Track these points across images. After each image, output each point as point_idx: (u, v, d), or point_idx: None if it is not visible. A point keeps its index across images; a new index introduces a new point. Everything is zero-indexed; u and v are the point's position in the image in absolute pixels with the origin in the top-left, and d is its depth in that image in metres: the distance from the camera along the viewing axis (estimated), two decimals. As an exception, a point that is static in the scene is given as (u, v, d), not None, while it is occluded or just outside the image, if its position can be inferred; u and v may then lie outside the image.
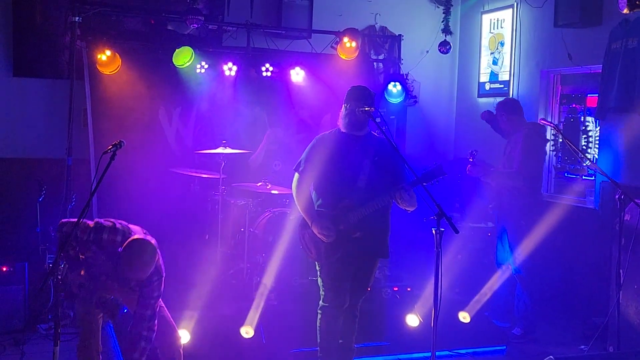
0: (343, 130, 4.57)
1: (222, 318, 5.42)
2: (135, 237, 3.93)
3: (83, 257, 3.95)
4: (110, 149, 3.90)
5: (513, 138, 6.05)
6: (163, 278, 4.12)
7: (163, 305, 4.42)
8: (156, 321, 4.11)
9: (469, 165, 5.98)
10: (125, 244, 3.88)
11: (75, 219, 4.02)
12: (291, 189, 4.69)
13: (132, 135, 6.20)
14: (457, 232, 3.79)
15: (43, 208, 6.09)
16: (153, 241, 3.97)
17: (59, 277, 3.46)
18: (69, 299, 4.05)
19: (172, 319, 4.44)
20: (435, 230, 3.77)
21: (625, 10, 5.01)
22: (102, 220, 4.09)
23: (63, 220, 4.17)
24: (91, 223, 4.07)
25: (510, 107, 6.13)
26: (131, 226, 4.17)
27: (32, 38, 6.76)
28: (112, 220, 4.14)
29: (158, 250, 3.98)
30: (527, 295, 5.98)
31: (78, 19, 6.51)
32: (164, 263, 4.16)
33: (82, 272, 3.97)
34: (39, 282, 5.78)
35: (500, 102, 6.23)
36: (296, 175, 4.62)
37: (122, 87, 6.74)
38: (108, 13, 6.83)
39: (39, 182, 6.08)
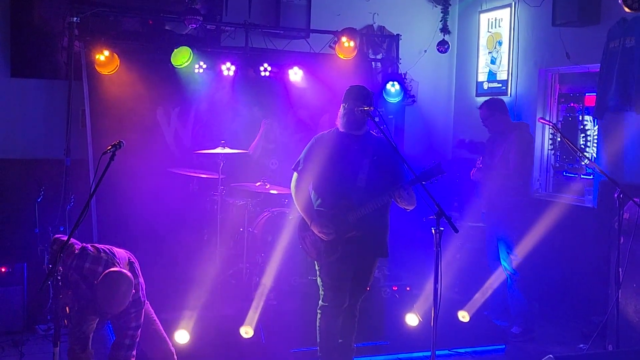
0: (341, 129, 4.57)
1: (221, 318, 5.42)
2: (112, 269, 3.90)
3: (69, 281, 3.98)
4: (109, 149, 3.89)
5: (507, 139, 6.06)
6: (142, 309, 4.11)
7: (156, 318, 4.43)
8: (134, 352, 4.12)
9: (474, 170, 6.02)
10: (100, 277, 3.85)
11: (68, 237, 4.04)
12: (290, 188, 4.69)
13: (131, 136, 6.20)
14: (456, 231, 3.80)
15: (41, 208, 6.09)
16: (129, 274, 3.93)
17: (59, 277, 3.46)
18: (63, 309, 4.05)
19: (164, 333, 4.44)
20: (434, 230, 3.77)
21: (626, 9, 5.01)
22: (89, 247, 4.08)
23: (56, 236, 4.18)
24: (78, 247, 4.05)
25: (495, 107, 6.17)
26: (117, 254, 4.15)
27: (30, 39, 6.74)
28: (100, 248, 4.12)
29: (135, 281, 3.97)
30: (522, 294, 5.98)
31: (76, 20, 6.50)
32: (144, 289, 4.16)
33: (70, 293, 3.98)
34: (38, 282, 5.77)
35: (484, 103, 6.25)
36: (295, 174, 4.62)
37: (120, 88, 6.73)
38: (106, 13, 6.82)
39: (38, 183, 6.08)
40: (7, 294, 5.67)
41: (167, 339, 4.50)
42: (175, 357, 4.49)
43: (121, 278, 3.86)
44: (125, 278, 3.87)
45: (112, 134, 6.40)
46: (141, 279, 4.20)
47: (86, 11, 6.55)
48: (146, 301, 4.29)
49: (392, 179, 4.45)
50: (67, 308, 4.03)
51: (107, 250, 4.13)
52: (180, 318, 5.14)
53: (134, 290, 3.94)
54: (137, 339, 4.15)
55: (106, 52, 6.49)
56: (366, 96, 4.49)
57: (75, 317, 4.04)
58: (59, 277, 3.85)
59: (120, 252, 4.21)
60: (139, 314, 4.09)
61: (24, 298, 5.73)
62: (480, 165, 6.08)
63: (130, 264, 4.19)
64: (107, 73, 6.61)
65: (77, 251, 4.01)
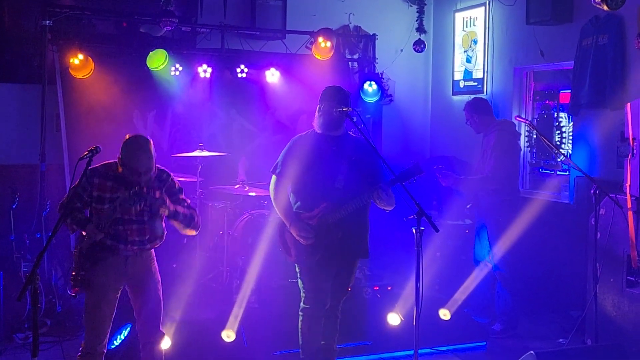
0: (319, 131, 4.56)
1: (203, 322, 5.39)
2: (126, 136, 4.08)
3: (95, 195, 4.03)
4: (86, 154, 3.85)
5: (486, 139, 6.11)
6: (173, 177, 4.29)
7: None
8: (197, 210, 4.34)
9: (440, 178, 6.00)
10: (122, 144, 4.03)
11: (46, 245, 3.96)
12: (269, 191, 4.67)
13: (106, 139, 6.06)
14: (437, 230, 3.81)
15: (17, 215, 6.00)
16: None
17: (37, 286, 3.40)
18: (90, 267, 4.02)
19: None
20: (415, 229, 3.78)
21: (605, 7, 5.06)
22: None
23: (61, 202, 4.15)
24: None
25: (480, 107, 6.19)
26: None
27: (1, 43, 6.64)
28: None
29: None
30: (508, 292, 6.04)
31: (49, 23, 6.42)
32: None
33: (106, 207, 4.00)
34: (14, 291, 5.68)
35: (468, 103, 6.28)
36: (273, 177, 4.60)
37: (95, 91, 6.66)
38: (79, 16, 6.74)
39: (12, 189, 5.99)
40: (-17, 302, 5.58)
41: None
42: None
43: (138, 135, 4.12)
44: (141, 136, 4.10)
45: (87, 138, 6.32)
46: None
47: (59, 14, 6.47)
48: None
49: (370, 179, 4.44)
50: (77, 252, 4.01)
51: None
52: (162, 323, 5.09)
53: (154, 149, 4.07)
54: (189, 201, 4.30)
55: (80, 56, 6.41)
56: (343, 97, 4.48)
57: (89, 304, 4.04)
58: (86, 199, 3.97)
59: None
60: (174, 180, 4.27)
61: (1, 307, 5.64)
62: (439, 175, 5.99)
63: None
64: (81, 77, 6.53)
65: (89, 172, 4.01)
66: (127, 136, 4.08)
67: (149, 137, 4.10)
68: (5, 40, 6.65)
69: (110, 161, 4.14)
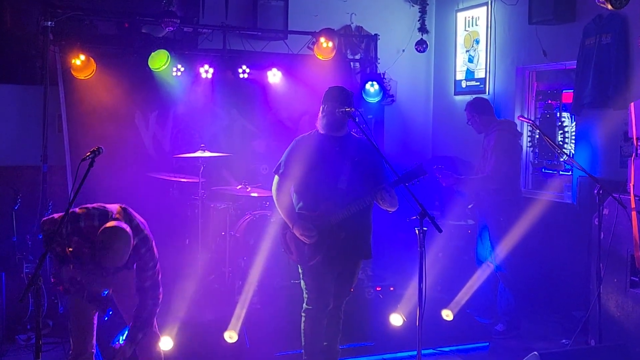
0: (322, 131, 4.55)
1: (205, 323, 5.39)
2: (108, 225, 3.81)
3: (70, 250, 3.87)
4: (88, 155, 3.83)
5: (487, 139, 6.11)
6: (152, 244, 4.06)
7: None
8: (160, 290, 4.11)
9: (440, 178, 5.99)
10: (98, 233, 3.76)
11: (55, 215, 3.96)
12: (271, 191, 4.67)
13: (108, 140, 6.13)
14: (440, 231, 3.79)
15: (19, 216, 5.99)
16: (126, 227, 3.84)
17: (40, 287, 3.39)
18: (63, 294, 3.97)
19: (156, 325, 4.40)
20: (418, 230, 3.77)
21: (609, 7, 5.03)
22: (76, 210, 4.01)
23: (44, 218, 4.10)
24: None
25: (480, 107, 6.19)
26: (108, 206, 4.07)
27: (3, 44, 6.63)
28: (85, 206, 4.05)
29: (134, 223, 3.95)
30: (510, 292, 6.02)
31: (51, 24, 6.41)
32: (147, 227, 4.09)
33: (72, 267, 3.90)
34: (17, 292, 5.68)
35: (469, 103, 6.28)
36: (276, 177, 4.60)
37: (97, 92, 6.65)
38: (81, 17, 6.72)
39: (14, 190, 5.98)
40: (-15, 304, 5.58)
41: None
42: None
43: (118, 230, 3.76)
44: (122, 230, 3.78)
45: (89, 139, 6.33)
46: (140, 219, 4.10)
47: (61, 15, 6.46)
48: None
49: (373, 180, 4.44)
50: (61, 287, 3.93)
51: (96, 205, 4.07)
52: (164, 324, 5.07)
53: (135, 240, 3.87)
54: (159, 276, 4.10)
55: (82, 57, 6.40)
56: (346, 97, 4.47)
57: (79, 291, 3.95)
58: (58, 250, 3.79)
59: (112, 205, 4.14)
60: (150, 250, 4.03)
61: (3, 308, 5.63)
62: (439, 175, 5.99)
63: (124, 210, 4.09)
64: (83, 77, 6.52)
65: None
66: (110, 224, 3.78)
67: (129, 232, 3.80)
68: (7, 41, 6.65)
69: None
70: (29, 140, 6.69)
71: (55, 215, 4.04)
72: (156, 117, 7.04)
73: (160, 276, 4.14)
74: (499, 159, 5.88)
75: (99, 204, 4.13)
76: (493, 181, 5.89)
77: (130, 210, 4.13)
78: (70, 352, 4.10)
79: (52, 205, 6.22)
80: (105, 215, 3.95)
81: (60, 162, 6.60)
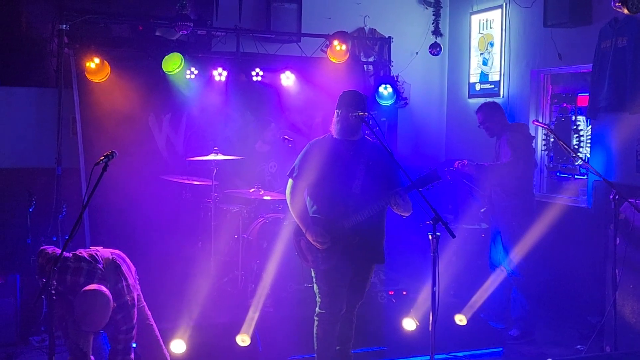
0: (336, 136, 4.54)
1: (217, 326, 5.38)
2: (89, 288, 3.80)
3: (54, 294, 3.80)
4: (102, 159, 3.85)
5: (499, 142, 6.10)
6: (132, 311, 4.03)
7: (153, 323, 4.38)
8: (132, 356, 4.09)
9: (457, 162, 5.99)
10: (78, 295, 3.77)
11: (52, 249, 3.96)
12: (285, 194, 4.66)
13: (122, 143, 6.17)
14: (453, 236, 3.78)
15: (33, 218, 6.03)
16: (107, 292, 3.83)
17: (52, 290, 3.41)
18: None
19: (160, 338, 4.41)
20: (431, 235, 3.75)
21: (625, 11, 4.98)
22: (69, 257, 4.00)
23: (42, 247, 4.11)
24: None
25: (492, 110, 6.20)
26: (100, 256, 4.07)
27: (18, 47, 6.68)
28: (82, 255, 4.04)
29: (119, 286, 3.96)
30: (524, 297, 5.98)
31: (65, 27, 6.45)
32: (134, 290, 4.10)
33: (63, 306, 3.91)
34: (31, 293, 5.72)
35: (481, 106, 6.30)
36: (290, 181, 4.59)
37: (111, 95, 6.68)
38: (95, 20, 6.76)
39: (29, 192, 6.02)
40: (0, 305, 5.61)
41: (163, 344, 4.45)
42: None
43: (96, 296, 3.76)
44: (101, 296, 3.76)
45: (103, 142, 6.36)
46: (130, 280, 4.12)
47: (75, 18, 6.50)
48: (141, 303, 4.24)
49: (387, 184, 4.42)
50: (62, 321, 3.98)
51: (90, 257, 4.04)
52: (176, 327, 5.10)
53: (114, 304, 3.87)
54: (132, 342, 4.10)
55: (96, 60, 6.44)
56: (360, 101, 4.46)
57: (71, 331, 3.98)
58: (53, 290, 3.78)
59: (105, 254, 4.14)
60: (128, 317, 4.02)
61: (17, 309, 5.67)
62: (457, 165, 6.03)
63: (115, 267, 4.10)
64: (97, 80, 6.56)
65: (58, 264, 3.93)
66: (91, 288, 3.80)
67: (109, 296, 3.81)
68: (23, 45, 6.69)
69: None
70: (44, 142, 6.74)
71: (50, 251, 4.02)
72: (169, 120, 7.06)
73: (132, 344, 4.10)
74: (514, 155, 5.86)
75: (94, 251, 4.12)
76: (515, 168, 5.84)
77: (125, 267, 4.13)
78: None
79: (66, 208, 6.25)
80: (93, 274, 3.94)
81: (74, 164, 6.64)
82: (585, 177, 6.65)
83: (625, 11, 4.96)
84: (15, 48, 6.68)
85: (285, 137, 6.33)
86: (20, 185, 6.51)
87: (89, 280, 3.90)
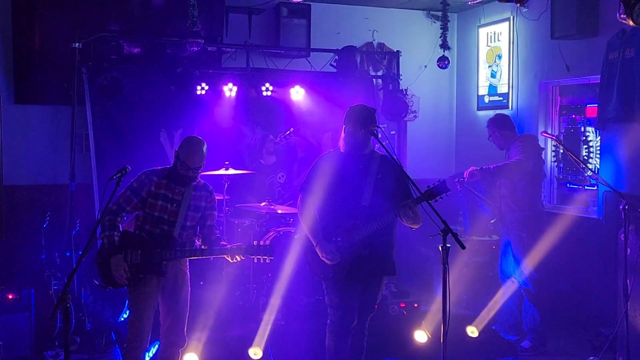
0: (345, 151, 4.58)
1: (230, 339, 5.41)
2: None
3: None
4: (115, 175, 3.92)
5: (508, 153, 6.12)
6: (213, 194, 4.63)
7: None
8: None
9: (466, 172, 6.00)
10: (182, 141, 4.48)
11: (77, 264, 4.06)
12: (297, 208, 4.71)
13: (134, 159, 6.21)
14: (463, 247, 3.79)
15: (47, 234, 6.11)
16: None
17: (69, 304, 3.47)
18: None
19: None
20: (441, 247, 3.77)
21: (631, 23, 5.01)
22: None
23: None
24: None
25: (501, 123, 6.23)
26: None
27: (33, 65, 6.78)
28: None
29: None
30: (536, 308, 5.97)
31: (78, 45, 6.54)
32: None
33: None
34: (45, 308, 5.78)
35: (490, 119, 6.32)
36: (301, 195, 4.64)
37: (123, 111, 6.78)
38: (108, 38, 6.86)
39: (43, 209, 6.09)
40: (15, 320, 5.67)
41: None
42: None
43: (197, 137, 4.53)
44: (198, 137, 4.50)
45: (115, 158, 6.43)
46: None
47: (88, 36, 6.59)
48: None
49: (397, 197, 4.45)
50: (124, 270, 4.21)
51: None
52: (189, 341, 5.11)
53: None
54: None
55: (109, 76, 6.52)
56: (367, 116, 4.50)
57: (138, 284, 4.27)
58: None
59: None
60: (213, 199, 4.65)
61: (32, 325, 5.73)
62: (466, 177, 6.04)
63: None
64: (110, 97, 6.63)
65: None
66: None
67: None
68: (36, 62, 6.79)
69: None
70: (57, 159, 6.82)
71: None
72: (181, 136, 7.11)
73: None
74: (528, 152, 5.88)
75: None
76: (525, 167, 5.84)
77: None
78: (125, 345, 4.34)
79: (80, 223, 6.32)
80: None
81: (87, 180, 6.72)
82: (595, 187, 6.65)
83: (631, 23, 4.98)
84: (31, 67, 6.77)
85: (283, 135, 6.40)
86: (34, 202, 6.61)
87: None
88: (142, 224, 4.35)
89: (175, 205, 4.37)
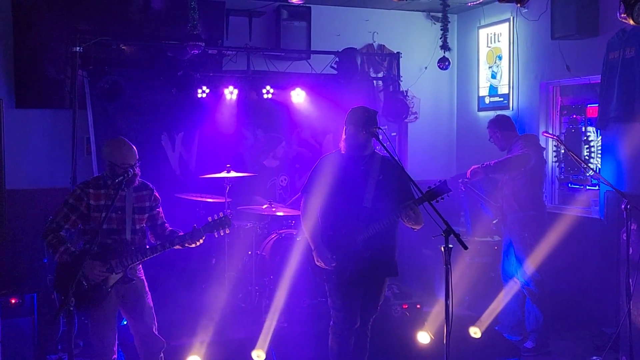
0: (345, 152, 4.58)
1: (232, 342, 5.41)
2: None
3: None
4: (117, 180, 3.92)
5: (509, 154, 6.12)
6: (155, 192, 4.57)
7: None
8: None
9: (469, 171, 6.01)
10: (103, 146, 4.43)
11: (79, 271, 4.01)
12: (299, 210, 4.71)
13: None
14: (466, 248, 3.79)
15: (49, 238, 6.08)
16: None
17: (72, 308, 3.47)
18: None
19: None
20: (443, 248, 3.77)
21: (631, 22, 5.01)
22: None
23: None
24: None
25: (502, 124, 6.24)
26: None
27: (32, 69, 6.79)
28: None
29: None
30: (538, 308, 5.97)
31: (79, 49, 6.55)
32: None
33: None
34: (48, 312, 5.77)
35: (491, 120, 6.33)
36: (303, 197, 4.64)
37: (124, 114, 6.78)
38: (108, 42, 6.87)
39: (45, 212, 6.09)
40: (18, 324, 5.65)
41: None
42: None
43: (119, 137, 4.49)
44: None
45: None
46: None
47: (89, 40, 6.60)
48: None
49: (398, 198, 4.45)
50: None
51: None
52: (192, 344, 5.14)
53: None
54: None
55: (109, 80, 6.53)
56: (368, 117, 4.50)
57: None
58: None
59: None
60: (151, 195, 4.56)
61: (35, 329, 5.72)
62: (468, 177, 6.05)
63: None
64: (110, 100, 6.64)
65: None
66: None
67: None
68: (37, 66, 6.80)
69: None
70: (59, 163, 6.83)
71: None
72: (182, 139, 7.14)
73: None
74: (530, 148, 5.90)
75: None
76: (527, 161, 5.85)
77: None
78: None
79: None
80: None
81: (89, 184, 6.70)
82: (596, 187, 6.65)
83: (631, 22, 4.99)
84: (31, 71, 6.78)
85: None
86: (36, 206, 6.61)
87: None
88: (92, 237, 4.17)
89: (120, 212, 4.31)
